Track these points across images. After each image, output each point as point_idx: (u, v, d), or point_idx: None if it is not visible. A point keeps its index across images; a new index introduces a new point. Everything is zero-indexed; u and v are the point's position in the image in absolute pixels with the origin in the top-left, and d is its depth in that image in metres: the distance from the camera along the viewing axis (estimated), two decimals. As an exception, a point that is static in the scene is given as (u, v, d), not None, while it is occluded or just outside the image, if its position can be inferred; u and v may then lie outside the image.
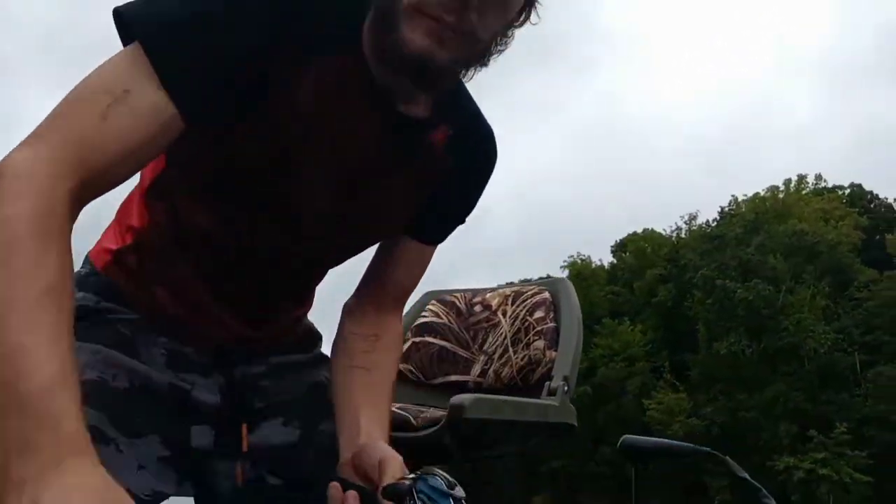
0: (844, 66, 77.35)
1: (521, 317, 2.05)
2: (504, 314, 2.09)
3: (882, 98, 72.24)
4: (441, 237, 1.08)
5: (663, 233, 48.45)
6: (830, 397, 34.12)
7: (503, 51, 0.92)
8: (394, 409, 1.72)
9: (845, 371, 35.26)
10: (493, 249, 77.62)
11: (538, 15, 0.94)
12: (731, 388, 35.54)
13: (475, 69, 0.91)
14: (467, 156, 1.00)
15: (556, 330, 1.99)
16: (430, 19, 0.80)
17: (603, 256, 51.22)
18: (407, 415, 1.72)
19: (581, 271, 45.46)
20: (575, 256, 50.49)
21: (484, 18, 0.82)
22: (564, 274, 47.94)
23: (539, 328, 1.99)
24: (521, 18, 0.90)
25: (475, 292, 2.22)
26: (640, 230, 49.17)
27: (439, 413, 1.68)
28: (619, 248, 49.40)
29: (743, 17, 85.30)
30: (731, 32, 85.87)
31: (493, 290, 2.21)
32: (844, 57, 77.95)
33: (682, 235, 47.36)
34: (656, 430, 33.48)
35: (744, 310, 35.67)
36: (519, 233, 79.62)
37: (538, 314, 2.02)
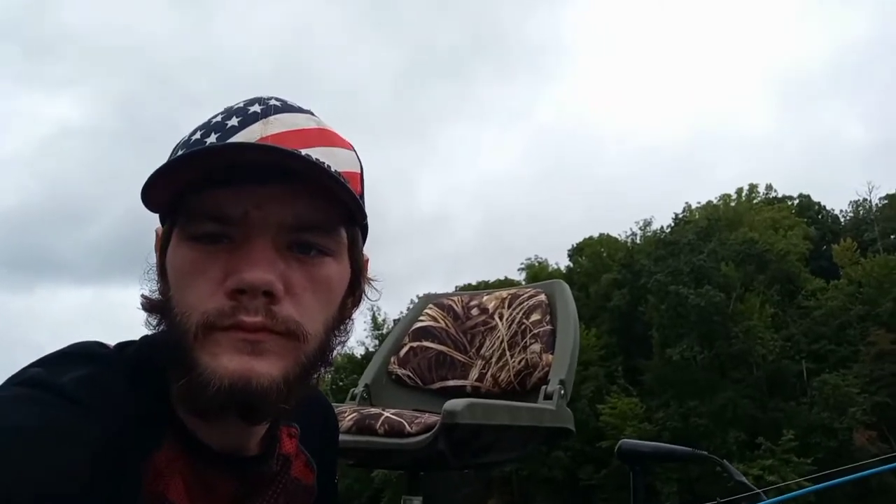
0: (799, 82, 79.93)
1: (517, 320, 2.04)
2: (501, 317, 2.08)
3: (833, 114, 74.89)
4: None
5: (619, 238, 49.23)
6: (778, 404, 35.05)
7: (345, 341, 0.74)
8: (390, 414, 1.71)
9: (792, 379, 36.29)
10: (453, 252, 78.20)
11: (374, 288, 0.78)
12: (683, 394, 36.21)
13: (318, 372, 0.71)
14: (319, 443, 0.88)
15: (553, 333, 1.99)
16: (232, 331, 0.62)
17: (560, 260, 51.78)
18: (402, 420, 1.70)
19: (537, 274, 45.76)
20: (532, 259, 51.02)
21: (304, 305, 0.65)
22: (521, 276, 48.33)
23: (536, 331, 1.99)
24: (355, 295, 0.75)
25: (472, 295, 2.20)
26: (596, 235, 49.93)
27: (434, 418, 1.66)
28: (576, 251, 50.01)
29: (702, 31, 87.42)
30: (691, 46, 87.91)
31: (489, 292, 2.20)
32: (800, 74, 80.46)
33: (637, 241, 48.19)
34: (610, 434, 33.90)
35: (696, 316, 36.42)
36: (479, 236, 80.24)
37: (534, 317, 2.02)
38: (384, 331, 49.04)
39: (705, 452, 1.69)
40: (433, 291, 2.31)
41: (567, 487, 36.18)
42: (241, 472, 0.73)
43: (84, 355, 0.68)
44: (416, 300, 2.37)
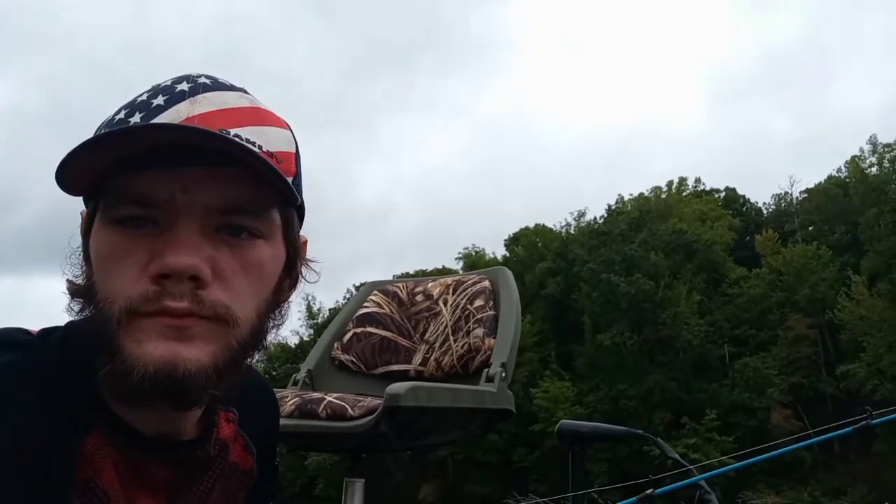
0: (727, 80, 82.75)
1: (461, 305, 2.07)
2: (445, 303, 2.11)
3: (759, 111, 77.91)
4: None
5: (554, 228, 50.09)
6: (702, 386, 36.52)
7: (281, 324, 0.72)
8: (332, 398, 1.71)
9: (716, 362, 37.84)
10: (391, 242, 78.29)
11: (313, 270, 0.76)
12: (614, 378, 37.29)
13: (251, 357, 0.69)
14: (259, 427, 0.86)
15: (496, 318, 2.02)
16: (157, 316, 0.60)
17: (497, 250, 52.36)
18: (344, 404, 1.70)
19: (475, 263, 46.17)
20: (470, 248, 51.47)
21: (234, 289, 0.63)
22: (459, 266, 48.67)
23: (479, 316, 2.02)
24: (292, 277, 0.73)
25: (417, 282, 2.22)
26: (532, 225, 50.67)
27: (377, 402, 1.67)
28: (512, 241, 50.65)
29: (638, 30, 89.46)
30: (627, 42, 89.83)
31: (434, 279, 2.21)
32: (728, 73, 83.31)
33: (571, 231, 49.14)
34: (542, 417, 34.65)
35: (626, 303, 37.48)
36: (417, 226, 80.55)
37: (478, 302, 2.05)
38: (319, 320, 48.63)
39: (640, 431, 1.76)
40: (371, 280, 2.32)
41: (501, 470, 36.78)
42: (176, 458, 0.72)
43: (5, 342, 0.65)
44: (355, 289, 2.37)
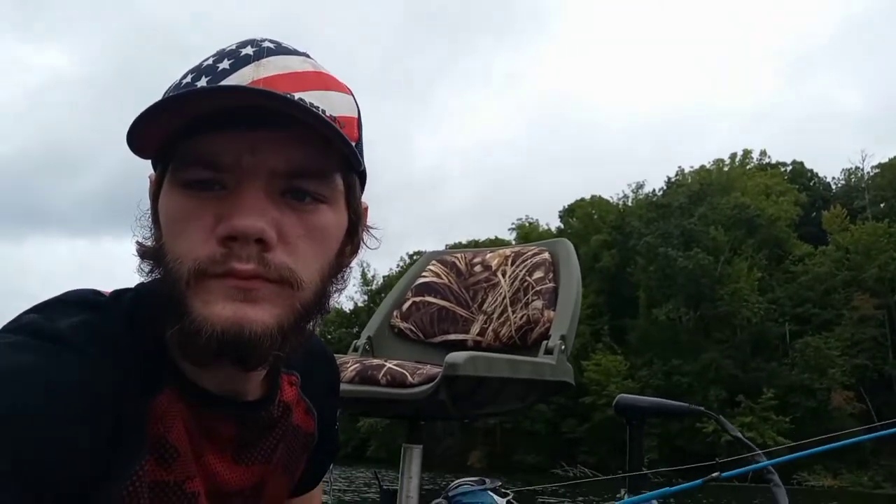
0: (798, 50, 79.65)
1: (520, 277, 2.06)
2: (503, 274, 2.10)
3: (830, 83, 74.80)
4: (319, 478, 0.98)
5: (610, 200, 49.32)
6: (760, 365, 35.70)
7: (343, 288, 0.73)
8: (392, 365, 1.73)
9: (775, 340, 36.88)
10: (444, 211, 78.47)
11: (373, 236, 0.77)
12: (668, 353, 36.78)
13: (314, 320, 0.69)
14: (319, 392, 0.88)
15: (555, 290, 2.00)
16: (225, 278, 0.61)
17: (551, 221, 51.91)
18: (404, 371, 1.72)
19: (528, 234, 45.95)
20: (523, 219, 51.17)
21: (298, 253, 0.64)
22: (512, 236, 48.52)
23: (538, 288, 2.01)
24: (353, 242, 0.73)
25: (475, 252, 2.21)
26: (588, 196, 49.97)
27: (436, 370, 1.68)
28: (567, 213, 50.10)
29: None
30: (690, 11, 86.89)
31: (493, 250, 2.21)
32: (799, 42, 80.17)
33: (629, 203, 48.27)
34: (593, 390, 34.53)
35: (684, 278, 36.75)
36: (471, 196, 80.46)
37: (537, 274, 2.04)
38: (373, 287, 49.33)
39: (702, 408, 1.73)
40: (423, 250, 2.32)
41: (549, 440, 36.92)
42: (241, 417, 0.73)
43: (80, 302, 0.67)
44: (408, 257, 2.38)
